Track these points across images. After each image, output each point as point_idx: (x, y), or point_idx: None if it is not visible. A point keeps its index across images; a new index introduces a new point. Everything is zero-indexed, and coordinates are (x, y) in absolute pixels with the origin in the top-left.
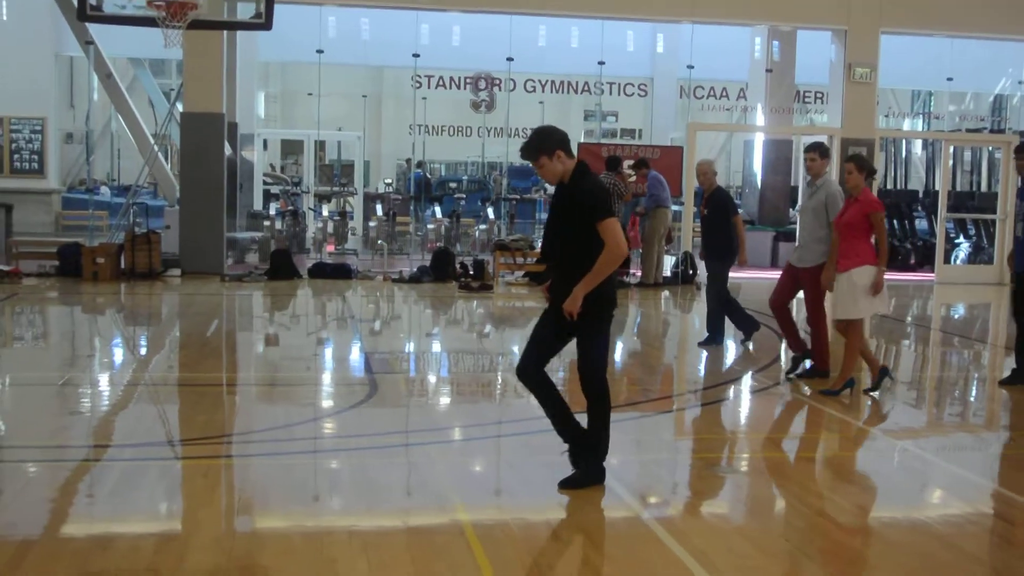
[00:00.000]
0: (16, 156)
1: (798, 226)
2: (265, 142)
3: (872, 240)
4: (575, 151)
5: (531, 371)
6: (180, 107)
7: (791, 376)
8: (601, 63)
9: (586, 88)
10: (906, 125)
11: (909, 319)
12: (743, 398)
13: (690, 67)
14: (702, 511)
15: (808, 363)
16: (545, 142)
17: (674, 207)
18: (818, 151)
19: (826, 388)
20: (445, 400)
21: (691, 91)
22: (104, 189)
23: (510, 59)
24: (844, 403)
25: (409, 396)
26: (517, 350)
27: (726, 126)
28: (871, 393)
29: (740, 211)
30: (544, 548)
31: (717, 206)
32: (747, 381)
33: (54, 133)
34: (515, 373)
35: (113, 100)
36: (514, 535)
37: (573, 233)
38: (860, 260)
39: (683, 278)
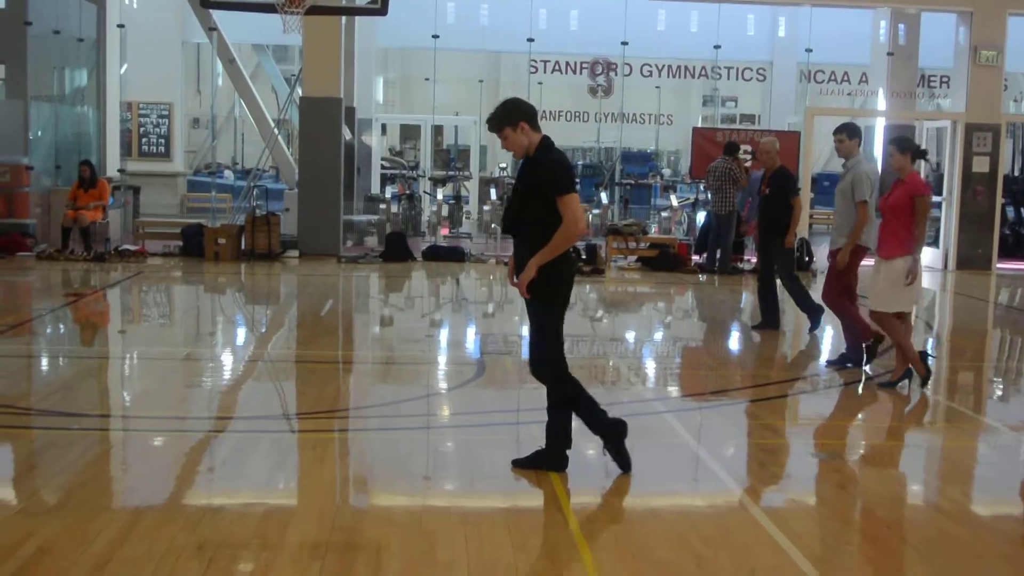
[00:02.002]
0: (144, 140)
1: (835, 209)
2: (384, 127)
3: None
4: (690, 136)
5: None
6: (300, 92)
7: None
8: (717, 47)
9: (703, 73)
10: None
11: None
12: (852, 386)
13: (808, 51)
14: (802, 496)
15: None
16: (510, 114)
17: None
18: (846, 132)
19: (884, 381)
20: None
21: (811, 75)
22: (227, 172)
23: (624, 43)
24: (903, 394)
25: (517, 377)
26: (630, 336)
27: (845, 111)
28: (885, 387)
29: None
30: (642, 528)
31: (778, 185)
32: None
33: (180, 118)
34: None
35: (236, 86)
36: (614, 515)
37: (534, 208)
38: (903, 250)
39: (799, 264)
